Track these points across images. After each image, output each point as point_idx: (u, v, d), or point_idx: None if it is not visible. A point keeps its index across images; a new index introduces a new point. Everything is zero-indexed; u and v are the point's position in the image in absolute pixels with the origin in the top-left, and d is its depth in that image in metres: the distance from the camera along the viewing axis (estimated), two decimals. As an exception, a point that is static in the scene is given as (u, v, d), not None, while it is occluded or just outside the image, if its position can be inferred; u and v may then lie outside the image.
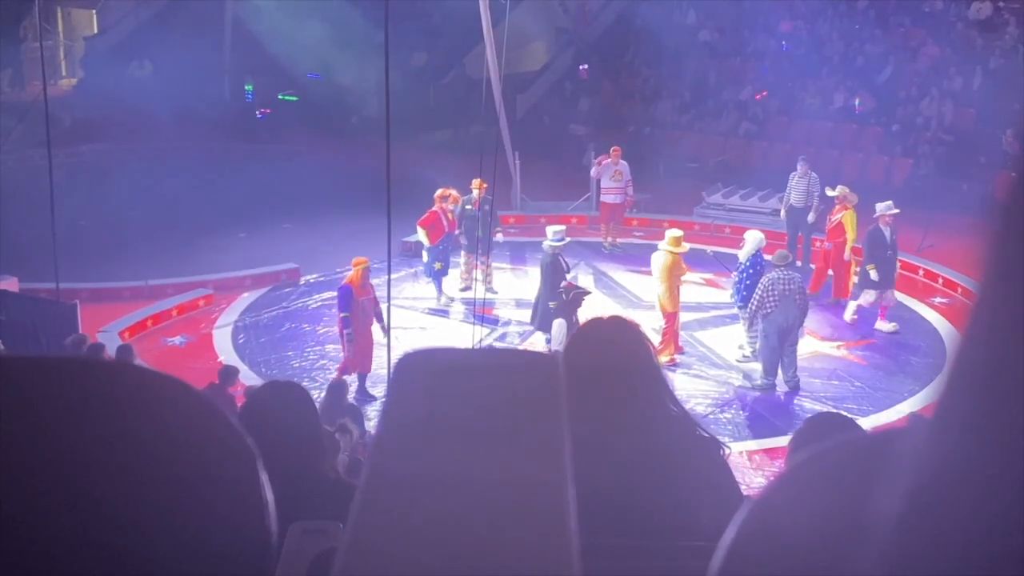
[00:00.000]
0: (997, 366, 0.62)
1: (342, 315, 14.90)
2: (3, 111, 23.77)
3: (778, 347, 14.73)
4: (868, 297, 16.85)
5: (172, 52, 27.49)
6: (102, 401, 0.83)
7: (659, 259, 15.82)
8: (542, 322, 16.04)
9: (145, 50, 30.17)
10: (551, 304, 15.79)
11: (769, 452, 13.18)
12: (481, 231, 17.44)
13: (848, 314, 17.19)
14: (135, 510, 0.80)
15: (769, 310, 14.53)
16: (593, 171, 21.60)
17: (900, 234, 17.17)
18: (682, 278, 16.00)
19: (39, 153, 16.39)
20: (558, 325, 15.12)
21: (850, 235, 17.43)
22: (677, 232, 16.00)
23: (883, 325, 16.95)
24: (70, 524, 0.78)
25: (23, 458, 0.79)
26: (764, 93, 27.29)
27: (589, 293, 16.00)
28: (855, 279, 17.68)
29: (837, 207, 17.84)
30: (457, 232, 18.46)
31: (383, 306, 14.39)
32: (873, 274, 16.65)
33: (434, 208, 17.91)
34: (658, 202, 22.83)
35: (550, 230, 16.50)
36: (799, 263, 19.33)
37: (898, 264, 17.48)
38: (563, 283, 15.68)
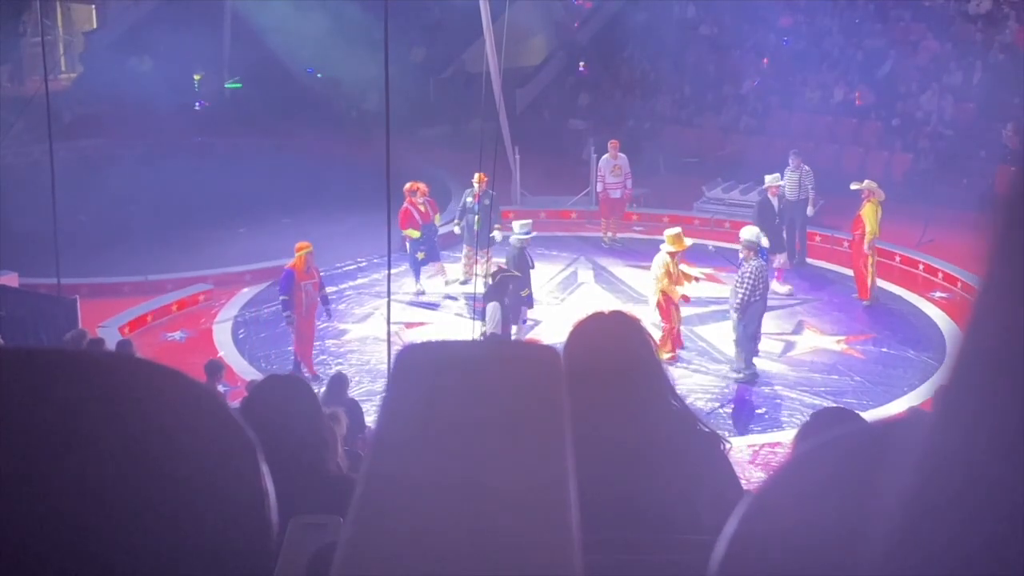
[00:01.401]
0: (1000, 360, 0.62)
1: (282, 298, 15.20)
2: (3, 106, 23.77)
3: (756, 335, 14.98)
4: (780, 260, 17.57)
5: (171, 47, 27.48)
6: (102, 393, 0.83)
7: (656, 260, 15.88)
8: (512, 312, 16.22)
9: (145, 45, 30.13)
10: (522, 293, 15.92)
11: (769, 447, 13.19)
12: (479, 224, 17.47)
13: (781, 289, 17.70)
14: (135, 501, 0.80)
15: (757, 298, 14.68)
16: (599, 167, 21.44)
17: (900, 229, 17.16)
18: (683, 275, 15.95)
19: (39, 148, 16.39)
20: (492, 308, 15.10)
21: (869, 228, 17.30)
22: (673, 230, 15.98)
23: (778, 287, 17.42)
24: (70, 514, 0.78)
25: (23, 449, 0.79)
26: (755, 82, 27.25)
27: (518, 276, 15.94)
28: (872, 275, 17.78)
29: (864, 202, 17.69)
30: (455, 223, 18.56)
31: (383, 301, 14.40)
32: (764, 241, 17.09)
33: (404, 206, 18.03)
34: (658, 197, 22.81)
35: (517, 224, 16.63)
36: (797, 256, 19.37)
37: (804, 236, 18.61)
38: (495, 267, 15.84)
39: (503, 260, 16.57)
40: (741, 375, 15.06)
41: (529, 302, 16.30)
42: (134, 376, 0.85)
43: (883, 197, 17.52)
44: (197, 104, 29.74)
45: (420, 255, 18.11)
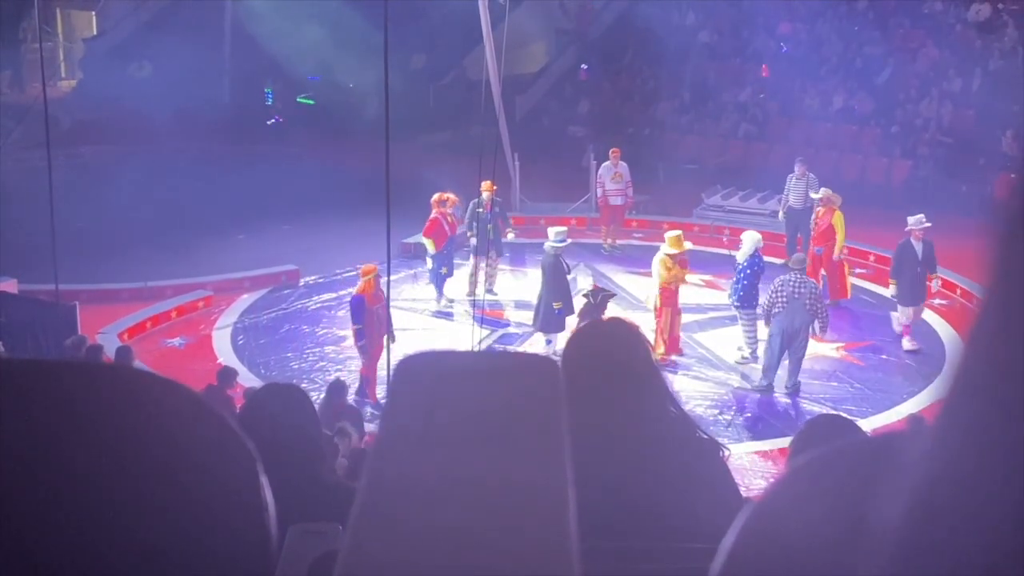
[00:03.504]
0: (1001, 369, 0.62)
1: (356, 327, 14.50)
2: (2, 112, 23.78)
3: (779, 350, 14.67)
4: (907, 314, 16.20)
5: (171, 54, 27.49)
6: (101, 405, 0.83)
7: (655, 259, 15.96)
8: (543, 324, 16.00)
9: (144, 52, 30.15)
10: (555, 305, 15.77)
11: (768, 454, 13.18)
12: (493, 233, 17.43)
13: (904, 339, 16.36)
14: (135, 513, 0.80)
15: (777, 310, 14.52)
16: (599, 175, 21.31)
17: (899, 236, 17.10)
18: (678, 278, 15.96)
19: (38, 154, 16.39)
20: None
21: (840, 235, 17.41)
22: (674, 233, 16.10)
23: (907, 343, 16.27)
24: (70, 527, 0.78)
25: (23, 461, 0.79)
26: (762, 95, 27.33)
27: (614, 295, 15.74)
28: (851, 279, 17.88)
29: (823, 210, 17.77)
30: (469, 234, 18.33)
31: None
32: (892, 289, 16.27)
33: (433, 215, 17.78)
34: (658, 204, 22.83)
35: (552, 231, 16.45)
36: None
37: (937, 282, 16.44)
38: (590, 286, 15.48)
39: (570, 277, 16.38)
40: (754, 385, 14.95)
41: (568, 311, 16.07)
42: (134, 387, 0.85)
43: (841, 201, 17.62)
44: (272, 119, 29.67)
45: (443, 270, 17.89)
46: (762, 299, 14.99)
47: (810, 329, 14.75)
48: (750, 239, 15.85)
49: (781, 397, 14.94)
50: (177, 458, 0.83)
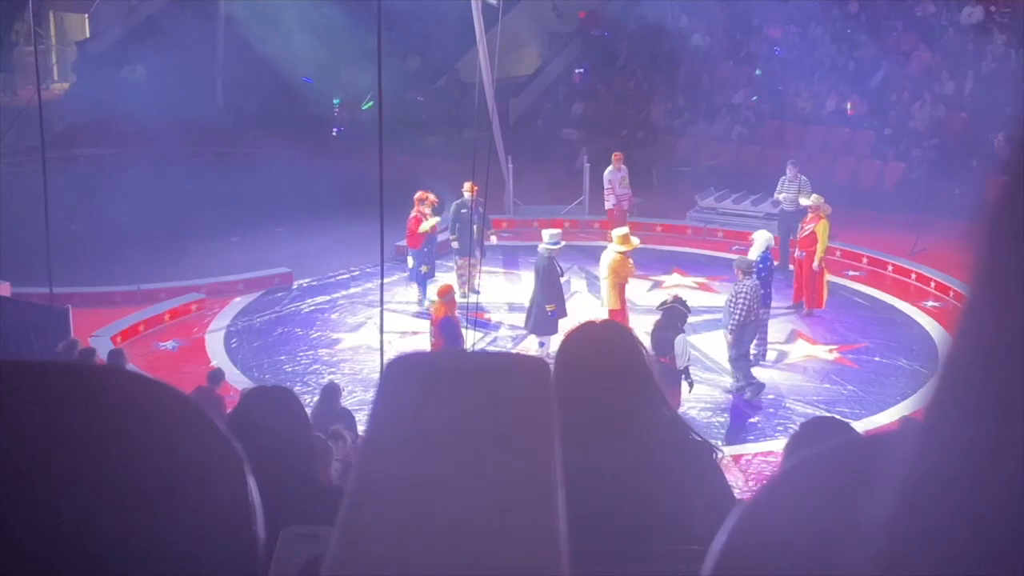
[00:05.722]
0: (988, 367, 0.62)
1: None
2: (-5, 116, 23.71)
3: (759, 347, 15.17)
4: None
5: (164, 57, 27.48)
6: (89, 406, 0.82)
7: (605, 257, 15.87)
8: (536, 326, 15.97)
9: (137, 55, 30.12)
10: (547, 307, 15.74)
11: (762, 456, 13.18)
12: (478, 233, 17.43)
13: None
14: (121, 515, 0.79)
15: (752, 319, 14.59)
16: (610, 180, 21.07)
17: (892, 238, 17.09)
18: (630, 273, 15.99)
19: (31, 158, 16.39)
20: (681, 341, 13.54)
21: (821, 244, 17.35)
22: (622, 230, 16.03)
23: None
24: (56, 529, 0.78)
25: (10, 462, 0.79)
26: (755, 97, 27.37)
27: (688, 299, 15.05)
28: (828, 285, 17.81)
29: (810, 216, 17.71)
30: (451, 237, 18.35)
31: (376, 310, 14.39)
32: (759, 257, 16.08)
33: (413, 212, 17.82)
34: (651, 206, 22.84)
35: (546, 233, 16.44)
36: (791, 267, 19.33)
37: None
38: (671, 296, 14.77)
39: (564, 279, 16.27)
40: (748, 394, 14.83)
41: (561, 313, 15.92)
42: (120, 388, 0.85)
43: (830, 211, 17.61)
44: (335, 130, 29.47)
45: (424, 268, 17.90)
46: (736, 312, 14.64)
47: None
48: (761, 238, 16.01)
49: (777, 400, 14.94)
50: (163, 459, 0.82)
